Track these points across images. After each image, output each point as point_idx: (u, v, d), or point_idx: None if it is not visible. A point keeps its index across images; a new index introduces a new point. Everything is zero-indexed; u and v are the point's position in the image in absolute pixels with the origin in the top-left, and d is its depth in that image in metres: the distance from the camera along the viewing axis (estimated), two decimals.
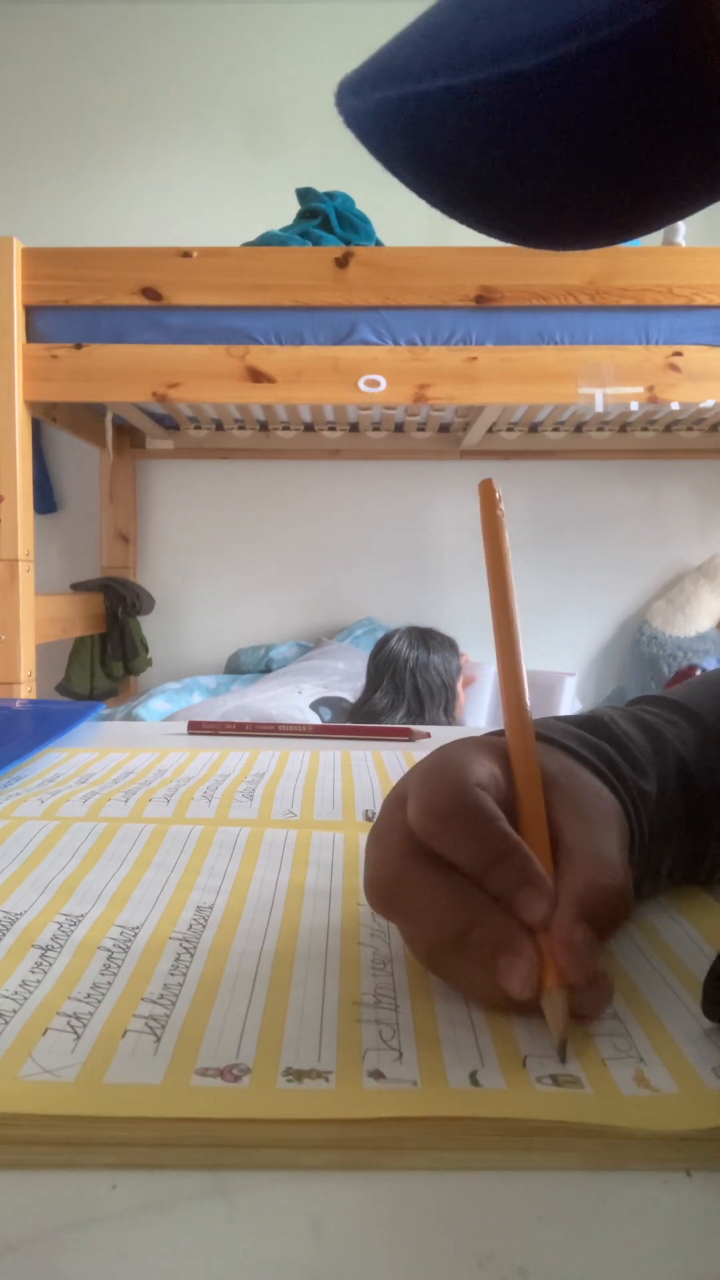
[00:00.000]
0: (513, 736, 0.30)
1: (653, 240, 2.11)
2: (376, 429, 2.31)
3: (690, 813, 0.36)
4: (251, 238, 1.95)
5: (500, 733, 0.33)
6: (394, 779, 0.52)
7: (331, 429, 2.33)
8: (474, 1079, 0.23)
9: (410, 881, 0.28)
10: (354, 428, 2.35)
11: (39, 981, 0.28)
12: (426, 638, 1.79)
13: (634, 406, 1.77)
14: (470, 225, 0.22)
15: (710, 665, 2.36)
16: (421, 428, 2.38)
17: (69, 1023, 0.26)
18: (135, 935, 0.32)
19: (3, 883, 0.37)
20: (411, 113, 0.19)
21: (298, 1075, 0.23)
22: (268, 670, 2.37)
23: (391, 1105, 0.22)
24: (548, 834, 0.29)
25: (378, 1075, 0.23)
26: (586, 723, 0.36)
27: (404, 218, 2.38)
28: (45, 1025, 0.26)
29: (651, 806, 0.33)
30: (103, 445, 2.27)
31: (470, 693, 2.01)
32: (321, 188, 2.06)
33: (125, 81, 2.54)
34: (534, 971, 0.25)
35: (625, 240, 0.21)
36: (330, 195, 2.05)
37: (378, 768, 0.61)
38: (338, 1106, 0.22)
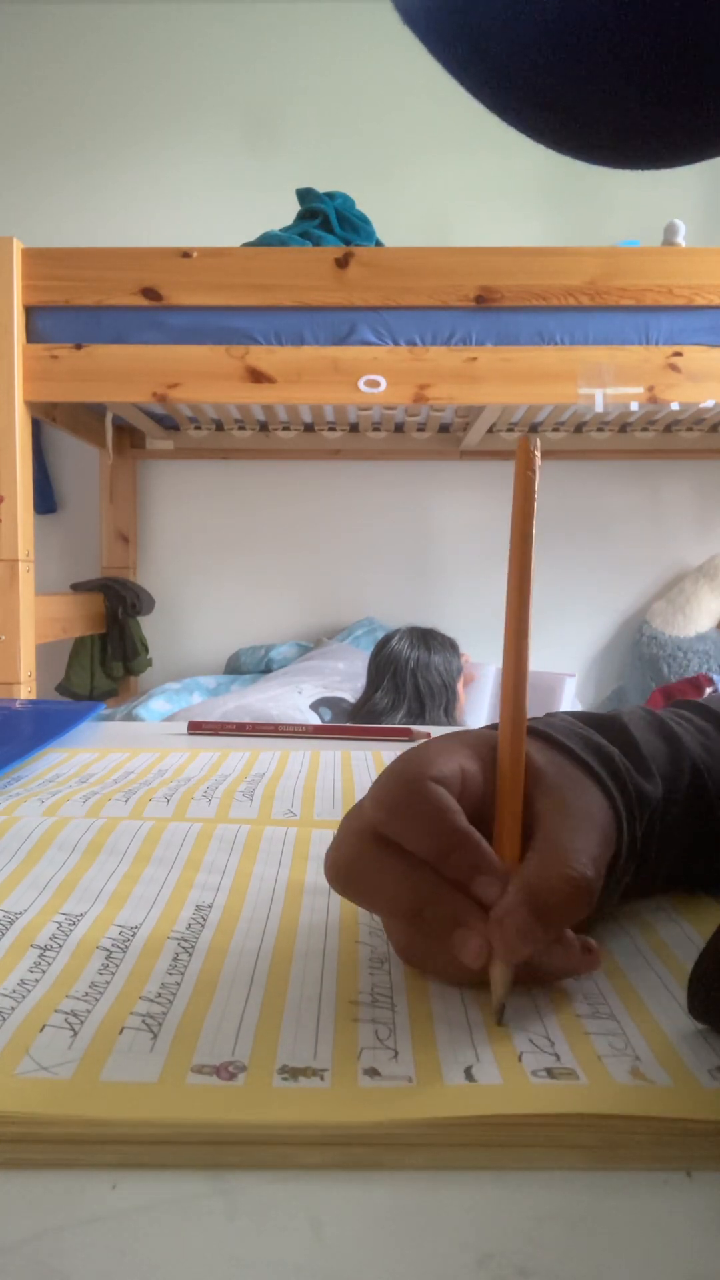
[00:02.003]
0: (504, 722, 0.30)
1: (652, 240, 2.11)
2: (376, 429, 2.31)
3: (702, 821, 0.35)
4: (251, 238, 1.95)
5: (493, 727, 0.33)
6: None
7: (331, 429, 2.33)
8: (469, 1074, 0.23)
9: (367, 863, 0.29)
10: (354, 428, 2.35)
11: (37, 980, 0.28)
12: (427, 638, 1.79)
13: (634, 406, 1.77)
14: (522, 128, 0.22)
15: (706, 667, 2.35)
16: (421, 428, 2.38)
17: (66, 1020, 0.26)
18: (134, 935, 0.32)
19: (2, 881, 0.37)
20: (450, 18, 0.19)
21: (293, 1073, 0.23)
22: (268, 670, 2.37)
23: (387, 1107, 0.22)
24: (520, 822, 0.30)
25: (373, 1073, 0.23)
26: (596, 722, 0.36)
27: (404, 218, 2.40)
28: (43, 1022, 0.26)
29: (652, 809, 0.33)
30: (103, 445, 2.27)
31: (470, 692, 2.01)
32: (321, 188, 2.06)
33: (125, 81, 2.53)
34: (484, 945, 0.26)
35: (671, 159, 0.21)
36: (330, 195, 2.05)
37: (378, 768, 0.60)
38: (333, 1107, 0.22)
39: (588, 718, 0.36)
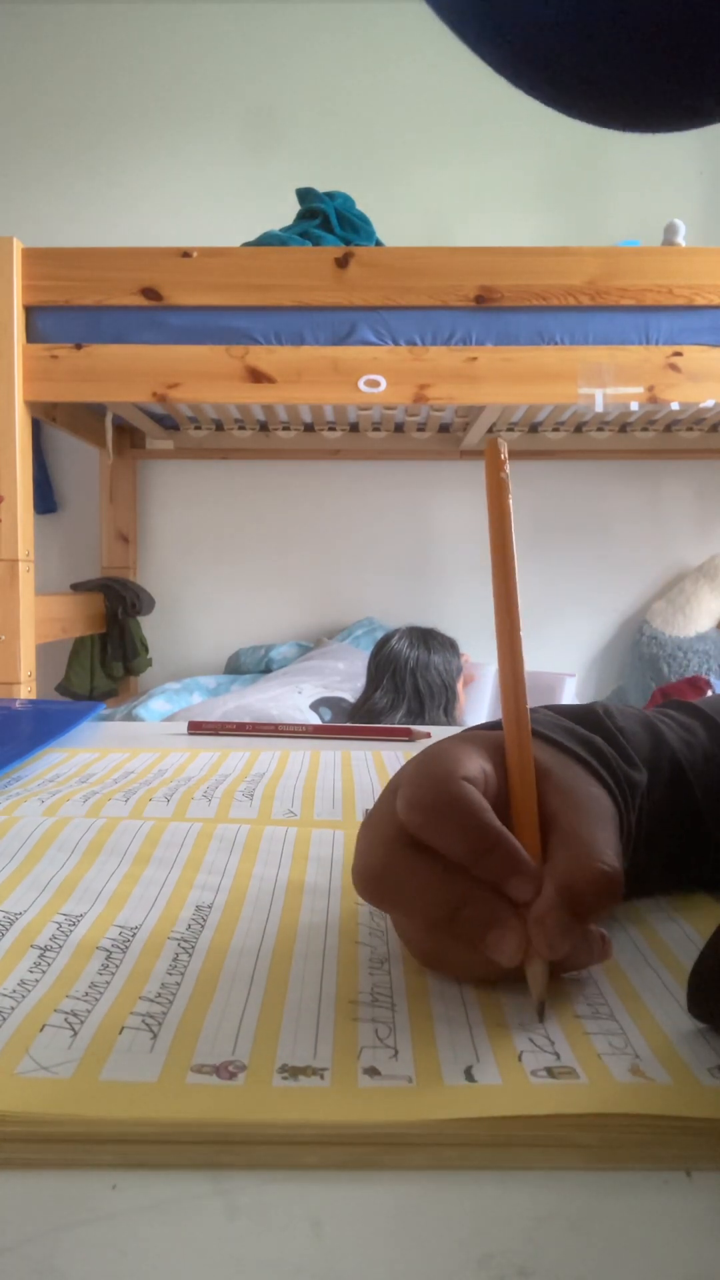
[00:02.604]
0: (508, 724, 0.30)
1: (653, 240, 2.11)
2: (376, 429, 2.31)
3: (687, 813, 0.36)
4: (251, 238, 1.95)
5: (492, 725, 0.34)
6: None
7: (331, 429, 2.33)
8: (469, 1074, 0.23)
9: (400, 869, 0.29)
10: (354, 428, 2.35)
11: (37, 980, 0.28)
12: (427, 638, 1.79)
13: (634, 406, 1.77)
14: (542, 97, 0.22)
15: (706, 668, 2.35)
16: (421, 428, 2.37)
17: (66, 1019, 0.26)
18: (134, 935, 0.32)
19: (2, 881, 0.37)
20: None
21: (293, 1072, 0.23)
22: (268, 670, 2.37)
23: (387, 1107, 0.22)
24: (537, 821, 0.30)
25: (373, 1072, 0.23)
26: (579, 715, 0.36)
27: (404, 218, 2.40)
28: (43, 1022, 0.26)
29: (640, 798, 0.34)
30: (103, 445, 2.27)
31: (470, 693, 2.01)
32: (321, 188, 2.06)
33: (126, 82, 2.53)
34: (521, 944, 0.27)
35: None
36: (330, 195, 2.05)
37: (378, 768, 0.60)
38: (333, 1107, 0.22)
39: (566, 710, 0.36)
